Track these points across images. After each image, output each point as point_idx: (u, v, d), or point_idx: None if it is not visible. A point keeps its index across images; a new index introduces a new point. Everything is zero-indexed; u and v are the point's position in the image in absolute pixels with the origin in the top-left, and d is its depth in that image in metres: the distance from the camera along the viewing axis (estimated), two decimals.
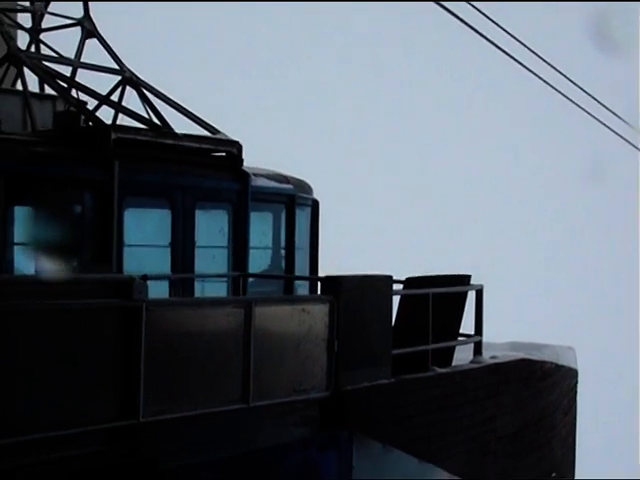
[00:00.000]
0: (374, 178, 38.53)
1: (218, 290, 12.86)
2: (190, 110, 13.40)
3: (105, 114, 12.99)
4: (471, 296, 12.27)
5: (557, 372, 14.03)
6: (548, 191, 42.60)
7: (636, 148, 17.13)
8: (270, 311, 8.81)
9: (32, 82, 13.16)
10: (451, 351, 11.85)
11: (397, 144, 40.28)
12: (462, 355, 12.08)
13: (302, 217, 14.17)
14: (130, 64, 13.54)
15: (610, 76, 29.52)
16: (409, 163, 39.26)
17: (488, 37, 11.66)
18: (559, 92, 13.90)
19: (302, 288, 14.02)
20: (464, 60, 37.35)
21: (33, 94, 13.04)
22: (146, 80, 13.48)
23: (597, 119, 15.40)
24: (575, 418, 15.56)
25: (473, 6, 11.27)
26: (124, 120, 12.87)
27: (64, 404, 7.01)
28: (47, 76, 12.89)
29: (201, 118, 13.42)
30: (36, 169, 10.93)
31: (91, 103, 13.18)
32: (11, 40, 13.02)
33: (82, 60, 13.68)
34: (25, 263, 10.64)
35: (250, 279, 13.08)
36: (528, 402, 13.03)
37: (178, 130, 12.81)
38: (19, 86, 13.12)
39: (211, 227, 12.86)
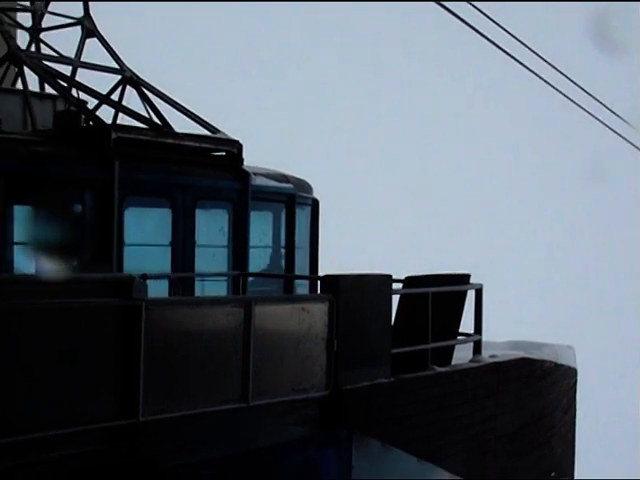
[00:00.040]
0: (374, 178, 38.54)
1: (218, 289, 12.87)
2: (190, 109, 13.41)
3: (105, 114, 13.02)
4: (471, 295, 12.27)
5: (556, 371, 14.03)
6: (548, 191, 42.62)
7: (636, 148, 17.11)
8: (270, 310, 8.80)
9: (32, 81, 13.18)
10: (451, 350, 11.84)
11: (397, 144, 40.30)
12: (462, 354, 12.08)
13: (302, 216, 14.18)
14: (130, 63, 13.56)
15: (610, 76, 29.49)
16: (409, 163, 39.28)
17: (488, 37, 11.67)
18: (559, 92, 13.89)
19: (302, 287, 14.02)
20: (464, 60, 37.37)
21: (33, 93, 13.04)
22: (146, 79, 13.49)
23: (597, 119, 15.40)
24: (574, 417, 15.56)
25: (473, 6, 11.28)
26: (124, 120, 12.88)
27: (64, 403, 7.01)
28: (47, 75, 12.89)
29: (201, 117, 13.42)
30: (36, 169, 10.93)
31: (91, 103, 13.19)
32: (11, 39, 13.03)
33: (82, 59, 13.70)
34: (25, 263, 10.64)
35: (250, 278, 13.09)
36: (528, 401, 13.03)
37: (178, 129, 12.82)
38: (19, 85, 13.13)
39: (211, 226, 12.86)
